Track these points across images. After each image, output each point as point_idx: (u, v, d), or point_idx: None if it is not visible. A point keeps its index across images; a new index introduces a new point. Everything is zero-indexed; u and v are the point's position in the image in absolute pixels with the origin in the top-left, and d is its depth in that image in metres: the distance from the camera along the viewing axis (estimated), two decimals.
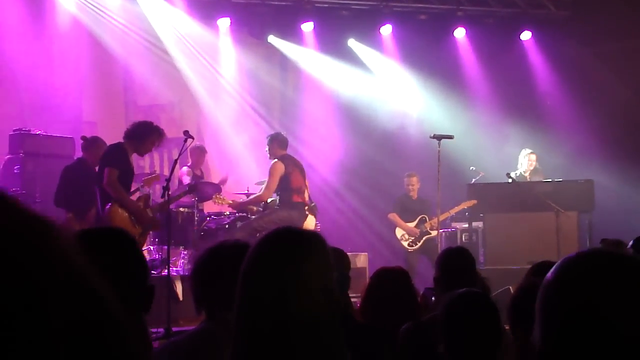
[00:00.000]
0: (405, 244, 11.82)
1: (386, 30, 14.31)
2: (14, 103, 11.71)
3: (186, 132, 8.88)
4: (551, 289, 1.36)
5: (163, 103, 13.55)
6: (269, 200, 10.44)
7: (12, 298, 0.71)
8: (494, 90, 14.09)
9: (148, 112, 13.34)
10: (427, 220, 11.80)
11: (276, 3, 13.65)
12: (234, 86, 14.03)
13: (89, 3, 12.46)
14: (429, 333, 3.52)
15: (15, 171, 10.41)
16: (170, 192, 8.53)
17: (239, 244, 2.97)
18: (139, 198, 8.67)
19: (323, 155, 14.45)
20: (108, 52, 12.56)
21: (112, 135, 12.28)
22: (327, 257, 2.09)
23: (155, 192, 9.77)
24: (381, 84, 14.64)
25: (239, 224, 10.65)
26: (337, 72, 14.49)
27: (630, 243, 4.97)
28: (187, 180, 10.73)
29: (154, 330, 8.04)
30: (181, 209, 10.43)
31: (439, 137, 10.39)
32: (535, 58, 14.41)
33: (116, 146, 8.48)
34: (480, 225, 11.82)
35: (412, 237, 11.80)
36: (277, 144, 10.43)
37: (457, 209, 11.68)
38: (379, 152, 14.04)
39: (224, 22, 13.61)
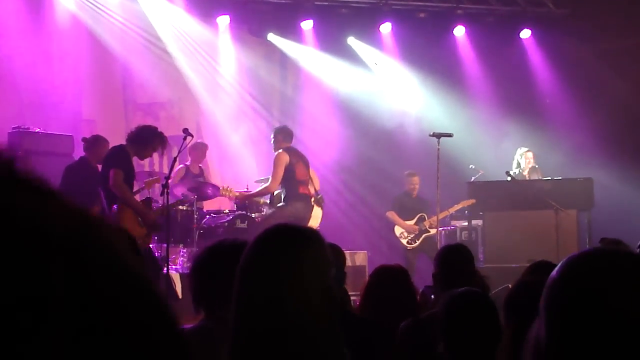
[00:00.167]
0: (404, 241, 11.82)
1: (386, 28, 14.29)
2: (12, 101, 11.70)
3: (185, 130, 8.89)
4: (556, 286, 1.36)
5: (162, 101, 13.54)
6: (275, 193, 10.48)
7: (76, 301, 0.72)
8: (493, 89, 14.08)
9: (147, 110, 13.35)
10: (426, 218, 11.81)
11: (276, 1, 13.66)
12: (233, 84, 14.02)
13: (88, 1, 12.45)
14: (428, 330, 3.52)
15: None
16: (169, 190, 8.54)
17: (237, 242, 2.96)
18: (142, 201, 8.70)
19: (322, 153, 14.44)
20: (107, 50, 12.55)
21: (112, 133, 12.27)
22: (325, 254, 2.09)
23: (155, 191, 9.78)
24: (381, 82, 14.62)
25: (238, 222, 10.65)
26: (336, 70, 14.47)
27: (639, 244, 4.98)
28: (178, 189, 10.61)
29: None
30: (181, 207, 10.43)
31: (439, 135, 10.39)
32: (535, 56, 14.40)
33: (119, 148, 8.52)
34: (479, 224, 11.83)
35: (411, 234, 11.81)
36: (282, 136, 10.49)
37: (455, 207, 11.69)
38: (378, 150, 14.04)
39: (224, 20, 13.60)
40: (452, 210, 11.72)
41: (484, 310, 3.13)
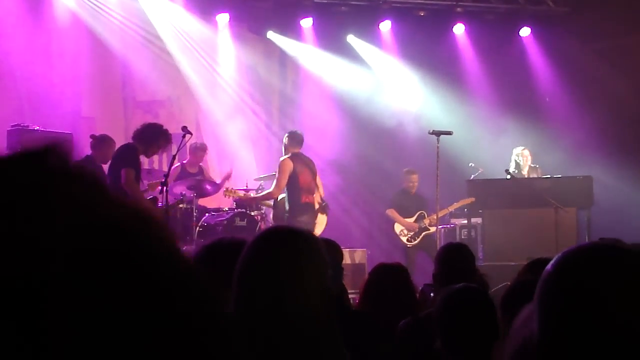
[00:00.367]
0: (404, 239, 11.82)
1: (385, 26, 14.29)
2: (12, 99, 11.69)
3: (184, 128, 8.90)
4: (551, 280, 1.36)
5: (162, 99, 13.53)
6: (279, 198, 10.53)
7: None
8: (493, 87, 14.08)
9: (147, 108, 13.34)
10: (426, 216, 11.80)
11: None
12: (232, 82, 14.02)
13: None
14: (427, 328, 3.52)
15: None
16: (167, 188, 8.55)
17: (235, 241, 2.96)
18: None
19: (322, 151, 14.43)
20: (106, 48, 12.55)
21: (111, 131, 12.27)
22: (322, 255, 2.09)
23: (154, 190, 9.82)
24: (380, 80, 14.62)
25: (237, 219, 10.66)
26: (336, 68, 14.47)
27: None
28: (177, 188, 10.62)
29: None
30: (180, 205, 10.43)
31: (438, 133, 10.39)
32: (535, 54, 14.40)
33: (129, 147, 8.58)
34: (479, 222, 11.83)
35: (411, 232, 11.81)
36: (290, 141, 10.50)
37: (455, 206, 11.68)
38: (378, 147, 14.04)
39: (223, 18, 13.60)
40: (451, 208, 11.71)
41: (481, 307, 3.13)
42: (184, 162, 11.22)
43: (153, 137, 8.57)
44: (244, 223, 10.72)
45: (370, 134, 14.09)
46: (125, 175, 8.20)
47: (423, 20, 14.04)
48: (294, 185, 10.23)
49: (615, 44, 13.36)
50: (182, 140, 8.93)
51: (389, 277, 4.73)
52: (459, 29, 14.38)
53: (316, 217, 10.39)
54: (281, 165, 10.27)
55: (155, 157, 12.38)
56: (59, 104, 11.88)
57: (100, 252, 0.71)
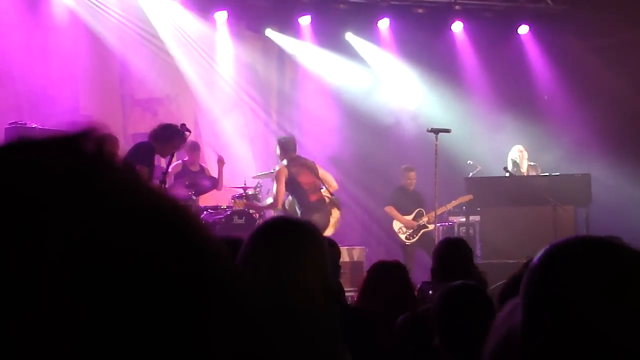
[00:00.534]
0: (402, 237, 11.82)
1: (383, 24, 14.29)
2: (9, 96, 11.68)
3: (183, 126, 8.89)
4: (536, 272, 1.36)
5: (160, 96, 13.51)
6: (286, 204, 10.64)
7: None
8: (491, 84, 14.08)
9: (145, 106, 13.33)
10: (424, 213, 11.80)
11: None
12: (231, 80, 14.01)
13: None
14: (425, 325, 3.51)
15: None
16: (165, 185, 8.55)
17: (230, 239, 2.96)
18: None
19: (320, 148, 14.42)
20: (105, 46, 12.53)
21: (109, 128, 12.24)
22: (323, 247, 2.09)
23: None
24: (378, 78, 14.62)
25: (235, 217, 10.66)
26: (334, 65, 14.46)
27: None
28: (176, 190, 10.66)
29: None
30: None
31: (436, 131, 10.39)
32: (533, 52, 14.39)
33: (146, 145, 8.59)
34: (477, 219, 11.83)
35: (410, 230, 11.80)
36: (281, 148, 10.64)
37: (453, 203, 11.67)
38: (376, 145, 14.04)
39: (221, 16, 13.59)
40: (449, 206, 11.70)
41: (479, 304, 3.12)
42: (185, 159, 11.21)
43: (170, 137, 8.58)
44: (242, 221, 10.72)
45: (369, 132, 14.09)
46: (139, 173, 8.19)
47: (421, 18, 14.03)
48: (296, 188, 10.31)
49: (613, 41, 13.36)
50: (150, 131, 8.95)
51: (387, 275, 4.73)
52: (457, 26, 14.37)
53: (330, 213, 10.42)
54: (276, 175, 10.41)
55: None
56: (56, 101, 11.86)
57: (144, 242, 0.71)
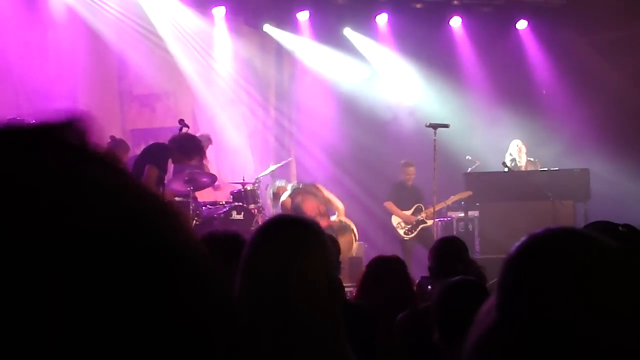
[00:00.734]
0: (401, 232, 11.81)
1: (382, 19, 14.28)
2: (8, 92, 11.66)
3: (181, 121, 8.88)
4: (509, 262, 1.36)
5: (158, 92, 13.50)
6: (274, 189, 11.07)
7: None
8: (490, 79, 14.07)
9: (143, 101, 13.32)
10: (423, 209, 11.80)
11: None
12: (229, 75, 13.99)
13: None
14: (425, 322, 3.51)
15: None
16: (165, 182, 8.53)
17: (228, 233, 2.95)
18: None
19: (318, 144, 14.44)
20: (103, 41, 12.52)
21: (107, 124, 12.26)
22: (327, 244, 2.09)
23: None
24: (377, 73, 14.61)
25: (234, 213, 10.65)
26: (332, 61, 14.45)
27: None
28: (174, 184, 10.70)
29: None
30: (176, 198, 10.40)
31: (435, 126, 10.39)
32: (531, 47, 14.39)
33: (163, 147, 8.54)
34: (476, 215, 11.82)
35: (408, 225, 11.80)
36: (272, 197, 11.35)
37: (452, 199, 11.67)
38: (375, 140, 14.03)
39: (219, 11, 13.57)
40: (449, 201, 11.70)
41: (478, 299, 3.11)
42: None
43: (189, 149, 8.55)
44: (240, 216, 10.72)
45: (367, 127, 14.08)
46: (147, 172, 8.18)
47: (420, 13, 14.02)
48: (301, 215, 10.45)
49: (612, 36, 13.35)
50: (173, 135, 8.91)
51: (386, 270, 4.72)
52: (455, 21, 14.36)
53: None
54: (281, 208, 10.96)
55: None
56: (55, 97, 11.85)
57: (124, 241, 0.68)
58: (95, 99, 12.63)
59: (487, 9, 14.15)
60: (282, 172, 12.61)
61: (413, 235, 11.77)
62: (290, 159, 13.45)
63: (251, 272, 2.03)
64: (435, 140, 10.31)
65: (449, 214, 12.36)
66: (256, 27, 14.21)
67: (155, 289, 0.69)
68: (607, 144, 12.55)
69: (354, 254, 11.04)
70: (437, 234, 10.91)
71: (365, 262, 8.94)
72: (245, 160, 13.40)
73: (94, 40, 12.43)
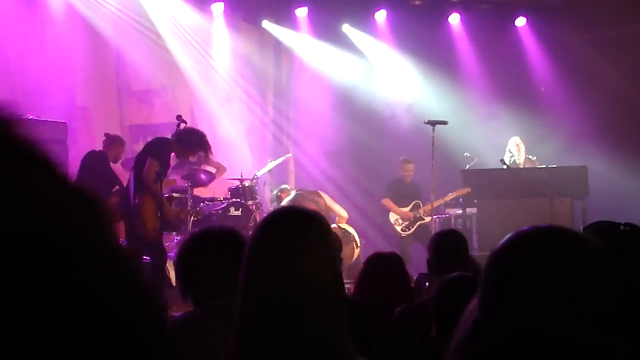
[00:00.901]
0: (398, 228, 11.81)
1: (380, 15, 14.27)
2: (5, 88, 11.63)
3: (179, 117, 8.87)
4: (495, 257, 1.37)
5: (156, 88, 13.49)
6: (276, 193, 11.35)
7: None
8: (488, 76, 14.06)
9: (141, 97, 13.31)
10: (421, 206, 11.79)
11: None
12: (227, 71, 13.98)
13: None
14: (423, 316, 3.51)
15: None
16: (164, 179, 8.52)
17: (224, 229, 2.94)
18: (166, 197, 8.68)
19: (316, 141, 14.43)
20: (101, 37, 12.50)
21: (105, 120, 12.26)
22: (331, 236, 2.08)
23: None
24: (375, 70, 14.60)
25: (232, 209, 10.66)
26: (331, 57, 14.44)
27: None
28: (172, 176, 10.71)
29: None
30: (174, 195, 10.40)
31: (433, 123, 10.38)
32: (530, 44, 14.38)
33: (164, 141, 8.53)
34: (474, 211, 11.82)
35: (406, 221, 11.79)
36: (275, 199, 11.56)
37: (451, 196, 11.65)
38: (373, 137, 14.03)
39: (218, 7, 13.56)
40: (447, 198, 11.69)
41: (476, 295, 3.11)
42: None
43: (193, 144, 8.52)
44: (238, 212, 10.72)
45: (365, 123, 14.08)
46: (148, 165, 8.17)
47: (418, 10, 14.00)
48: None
49: (610, 34, 13.35)
50: (176, 129, 8.89)
51: (384, 267, 4.72)
52: (454, 18, 14.36)
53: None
54: None
55: None
56: (53, 93, 11.83)
57: (19, 238, 0.65)
58: (94, 94, 12.62)
59: (485, 6, 14.14)
60: (280, 169, 12.61)
61: (410, 232, 11.77)
62: (289, 155, 13.44)
63: (255, 267, 2.02)
64: (433, 137, 10.30)
65: (447, 210, 12.36)
66: (255, 23, 14.20)
67: (66, 287, 0.66)
68: (605, 141, 12.55)
69: (353, 259, 11.06)
70: (435, 231, 10.90)
71: (363, 259, 8.96)
72: (243, 157, 13.39)
73: (92, 36, 12.41)
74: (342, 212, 11.57)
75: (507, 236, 1.38)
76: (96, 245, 0.70)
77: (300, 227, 2.05)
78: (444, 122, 10.54)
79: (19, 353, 0.63)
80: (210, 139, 8.65)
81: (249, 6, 13.96)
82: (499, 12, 14.14)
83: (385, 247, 10.17)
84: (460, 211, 12.05)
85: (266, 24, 14.16)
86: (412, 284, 5.07)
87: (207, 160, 10.67)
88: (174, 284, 8.93)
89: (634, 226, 2.29)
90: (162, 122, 12.30)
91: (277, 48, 14.64)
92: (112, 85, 13.13)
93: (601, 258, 1.32)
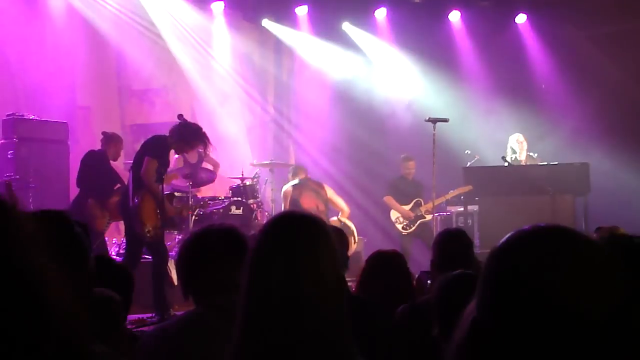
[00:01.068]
0: (399, 227, 11.79)
1: (381, 13, 14.26)
2: (7, 88, 11.64)
3: (180, 116, 8.85)
4: (493, 256, 1.37)
5: (157, 87, 13.50)
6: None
7: None
8: (489, 74, 14.04)
9: (142, 97, 13.31)
10: (422, 203, 11.78)
11: None
12: (228, 70, 13.99)
13: None
14: (425, 315, 3.50)
15: (9, 156, 10.39)
16: (163, 177, 8.51)
17: (224, 227, 2.93)
18: (166, 195, 8.63)
19: (316, 139, 14.43)
20: (101, 37, 12.50)
21: (106, 120, 12.26)
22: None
23: None
24: (376, 68, 14.59)
25: (233, 208, 10.66)
26: (331, 55, 14.43)
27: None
28: (178, 181, 10.71)
29: (149, 315, 8.05)
30: (176, 194, 10.40)
31: (434, 121, 10.37)
32: (531, 41, 14.36)
33: (161, 139, 8.50)
34: (475, 209, 11.81)
35: (407, 220, 11.78)
36: (292, 174, 11.68)
37: (452, 194, 11.64)
38: (373, 135, 14.03)
39: (218, 6, 13.56)
40: (448, 196, 11.67)
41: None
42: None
43: (189, 137, 8.49)
44: (239, 211, 10.73)
45: (366, 121, 14.07)
46: (146, 164, 8.17)
47: (418, 7, 13.98)
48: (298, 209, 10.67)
49: (611, 30, 13.33)
50: (172, 126, 8.89)
51: (386, 265, 4.71)
52: (454, 15, 14.34)
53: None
54: (283, 196, 11.43)
55: None
56: (54, 93, 11.84)
57: None
58: (94, 94, 12.63)
59: (486, 2, 14.11)
60: (281, 167, 12.60)
61: (411, 230, 11.75)
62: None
63: (258, 270, 2.02)
64: (434, 134, 10.29)
65: (449, 208, 12.35)
66: (255, 22, 14.20)
67: None
68: (606, 138, 12.54)
69: (352, 251, 11.08)
70: (437, 229, 10.90)
71: (364, 257, 8.96)
72: (244, 155, 13.39)
73: (93, 35, 12.41)
74: (344, 206, 11.66)
75: (507, 235, 1.38)
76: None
77: (303, 230, 2.05)
78: (445, 120, 10.53)
79: None
80: (210, 137, 8.64)
81: (249, 5, 13.95)
82: (499, 9, 14.11)
83: (386, 245, 10.17)
84: (462, 209, 12.04)
85: (266, 23, 14.16)
86: (414, 283, 5.07)
87: (207, 156, 10.67)
88: (176, 283, 8.94)
89: None
90: (163, 121, 12.29)
91: (278, 46, 14.65)
92: (112, 85, 13.14)
93: (601, 257, 1.32)
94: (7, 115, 10.67)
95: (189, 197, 10.44)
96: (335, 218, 11.45)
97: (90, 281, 2.21)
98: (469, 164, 12.22)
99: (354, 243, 11.44)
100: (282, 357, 1.94)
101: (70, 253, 2.10)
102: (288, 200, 11.21)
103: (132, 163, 8.52)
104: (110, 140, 10.34)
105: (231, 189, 11.29)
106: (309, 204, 11.07)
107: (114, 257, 9.82)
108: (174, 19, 13.34)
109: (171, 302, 8.40)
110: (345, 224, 11.40)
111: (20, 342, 0.67)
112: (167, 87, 13.60)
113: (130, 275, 3.61)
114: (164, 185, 8.59)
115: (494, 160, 11.94)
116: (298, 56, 14.64)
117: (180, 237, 10.42)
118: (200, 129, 8.62)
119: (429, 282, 5.05)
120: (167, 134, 8.52)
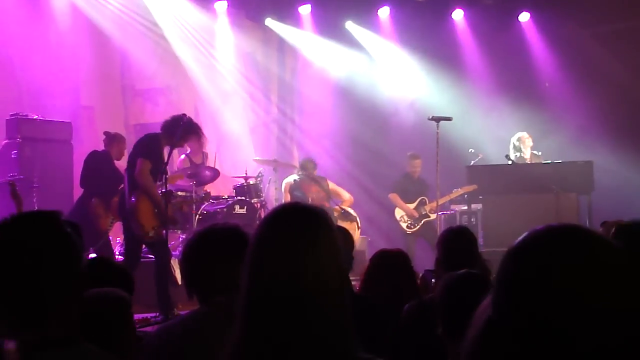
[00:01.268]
0: (404, 225, 11.79)
1: (384, 12, 14.25)
2: (11, 88, 11.65)
3: (184, 116, 8.84)
4: (509, 257, 1.37)
5: (161, 87, 13.50)
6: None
7: None
8: (492, 72, 14.03)
9: (146, 96, 13.32)
10: (427, 202, 11.77)
11: None
12: (231, 69, 13.99)
13: None
14: (430, 314, 3.50)
15: (13, 156, 10.40)
16: (167, 176, 8.51)
17: (228, 227, 2.93)
18: (162, 193, 8.62)
19: (320, 137, 14.42)
20: (105, 37, 12.50)
21: (110, 119, 12.26)
22: (335, 231, 2.07)
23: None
24: (379, 66, 14.59)
25: (237, 207, 10.66)
26: (335, 54, 14.43)
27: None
28: (184, 181, 10.72)
29: (153, 315, 8.05)
30: (180, 193, 10.40)
31: (438, 119, 10.36)
32: (534, 39, 14.34)
33: (152, 137, 8.49)
34: (479, 207, 11.81)
35: (411, 218, 11.78)
36: (300, 166, 11.90)
37: (457, 193, 11.64)
38: (377, 134, 14.02)
39: (221, 5, 13.56)
40: (453, 195, 11.68)
41: (483, 293, 3.10)
42: (188, 152, 11.16)
43: (182, 130, 8.45)
44: (243, 210, 10.73)
45: (369, 120, 14.07)
46: (139, 166, 8.15)
47: (422, 6, 13.98)
48: (301, 197, 11.18)
49: (614, 28, 13.32)
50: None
51: (390, 264, 4.71)
52: (457, 14, 14.33)
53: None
54: (282, 188, 11.67)
55: None
56: (58, 93, 11.85)
57: None
58: (99, 94, 12.63)
59: (489, 1, 14.10)
60: (284, 166, 12.60)
61: (416, 229, 11.75)
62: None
63: (258, 263, 2.01)
64: (438, 133, 10.29)
65: (452, 206, 12.35)
66: (258, 21, 14.20)
67: None
68: (610, 136, 12.53)
69: (356, 245, 11.05)
70: (441, 228, 10.88)
71: (368, 256, 8.95)
72: (248, 155, 13.39)
73: (97, 35, 12.42)
74: (346, 195, 11.83)
75: (522, 236, 1.38)
76: None
77: (304, 222, 2.04)
78: (449, 119, 10.52)
79: None
80: (214, 137, 8.64)
81: (252, 4, 13.95)
82: (503, 7, 14.10)
83: (390, 244, 10.17)
84: (466, 207, 12.04)
85: (269, 22, 14.16)
86: (418, 281, 5.07)
87: (203, 146, 10.61)
88: (180, 283, 8.94)
89: None
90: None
91: (281, 46, 14.64)
92: (116, 85, 13.14)
93: (618, 258, 1.31)
94: (11, 115, 10.68)
95: (192, 196, 10.44)
96: (336, 206, 11.47)
97: (82, 282, 2.20)
98: (472, 162, 12.21)
99: (358, 229, 11.49)
100: (284, 351, 1.93)
101: (60, 253, 2.10)
102: (287, 193, 11.46)
103: (127, 164, 8.51)
104: (113, 140, 10.33)
105: (235, 188, 11.29)
106: (308, 189, 11.41)
107: (118, 256, 9.84)
108: (178, 19, 13.35)
109: (175, 301, 8.40)
110: (346, 211, 11.46)
111: None
112: (171, 86, 13.61)
113: (130, 277, 3.60)
114: (168, 185, 8.58)
115: (497, 159, 11.93)
116: (301, 55, 14.64)
117: (184, 236, 10.42)
118: (184, 115, 8.61)
119: (433, 280, 5.04)
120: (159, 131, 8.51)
